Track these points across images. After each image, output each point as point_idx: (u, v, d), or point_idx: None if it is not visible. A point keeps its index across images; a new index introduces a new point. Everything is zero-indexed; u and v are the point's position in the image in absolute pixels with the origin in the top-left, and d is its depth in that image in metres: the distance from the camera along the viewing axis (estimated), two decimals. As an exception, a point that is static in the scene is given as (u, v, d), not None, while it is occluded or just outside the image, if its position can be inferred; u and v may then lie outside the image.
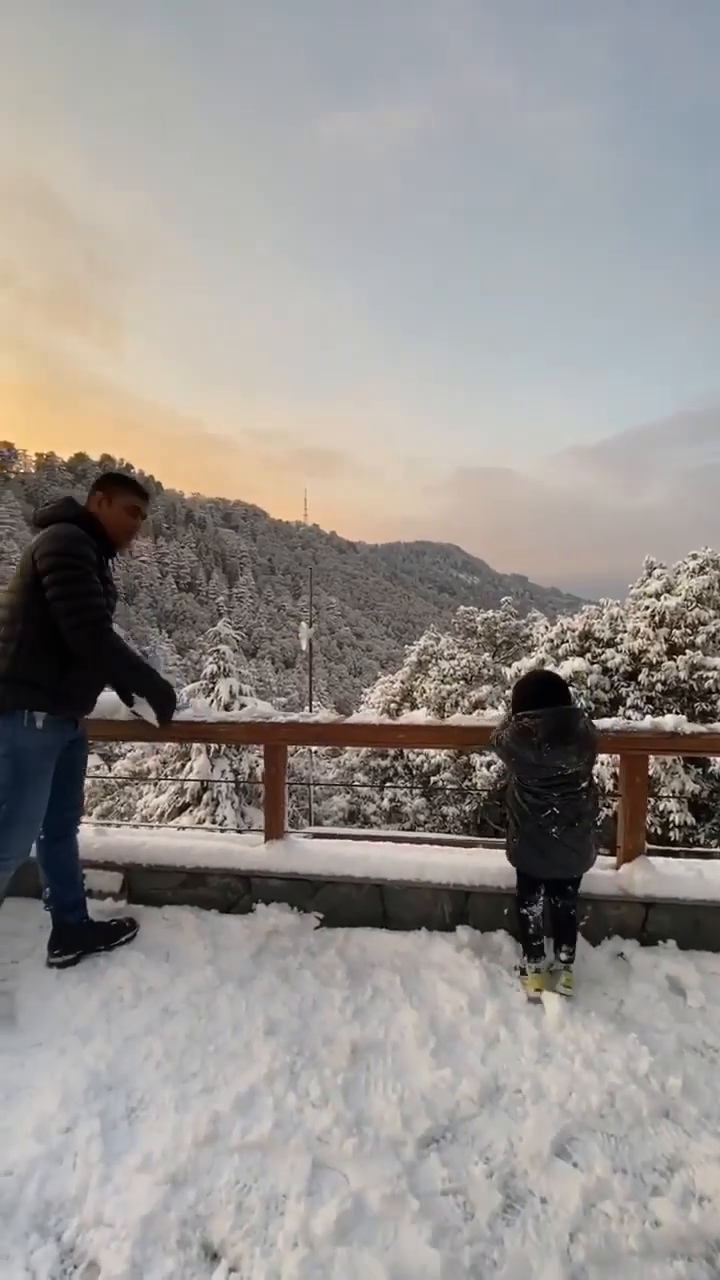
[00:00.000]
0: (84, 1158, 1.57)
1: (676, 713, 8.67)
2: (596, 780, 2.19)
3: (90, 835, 2.82)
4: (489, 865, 2.56)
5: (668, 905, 2.41)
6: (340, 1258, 1.34)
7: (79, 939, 2.38)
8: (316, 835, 3.00)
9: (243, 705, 9.87)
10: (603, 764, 10.62)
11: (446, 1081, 1.82)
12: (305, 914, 2.61)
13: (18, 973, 2.30)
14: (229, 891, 2.67)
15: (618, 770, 2.57)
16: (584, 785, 2.23)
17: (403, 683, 15.36)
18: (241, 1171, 1.55)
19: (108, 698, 2.46)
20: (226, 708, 9.51)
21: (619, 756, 2.56)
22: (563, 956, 2.26)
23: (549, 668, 12.28)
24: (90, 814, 12.06)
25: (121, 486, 2.29)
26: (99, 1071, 1.84)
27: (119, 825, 3.02)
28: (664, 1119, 1.71)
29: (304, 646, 11.26)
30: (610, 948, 2.44)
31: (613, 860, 2.59)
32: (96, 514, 2.25)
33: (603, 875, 2.50)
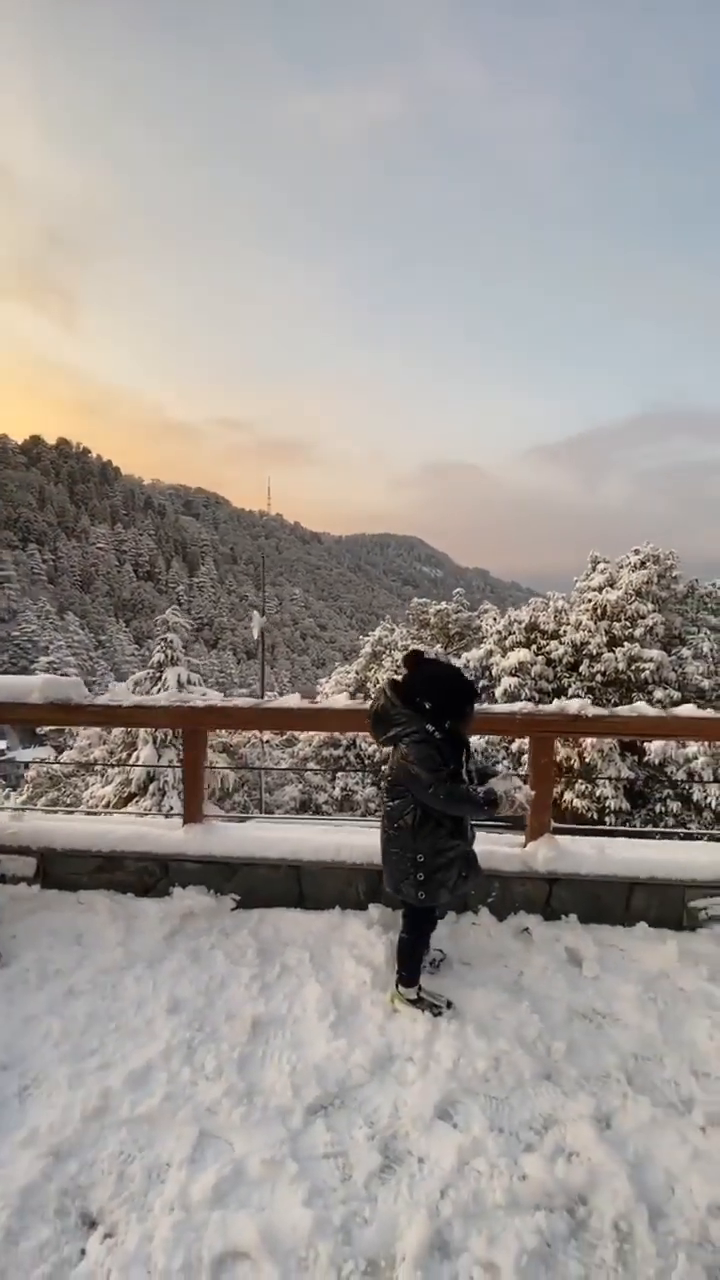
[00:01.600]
0: (-32, 1136, 1.56)
1: (615, 703, 8.98)
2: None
3: (4, 820, 2.77)
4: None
5: (570, 881, 2.52)
6: (214, 1220, 1.38)
7: None
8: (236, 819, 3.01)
9: (190, 694, 9.81)
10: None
11: (340, 1052, 1.87)
12: (222, 896, 2.63)
13: None
14: (146, 875, 2.67)
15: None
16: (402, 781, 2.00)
17: (357, 673, 15.46)
18: (127, 1143, 1.57)
19: (14, 681, 2.41)
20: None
21: (528, 739, 2.65)
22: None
23: (496, 658, 12.54)
24: (36, 804, 11.78)
25: None
26: (-7, 1053, 1.83)
27: (34, 810, 2.97)
28: (545, 1081, 1.80)
29: (256, 635, 11.22)
30: (515, 923, 2.53)
31: (520, 839, 2.69)
32: None
33: (510, 853, 2.59)
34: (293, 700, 2.68)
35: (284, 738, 13.93)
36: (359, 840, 2.69)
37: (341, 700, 2.70)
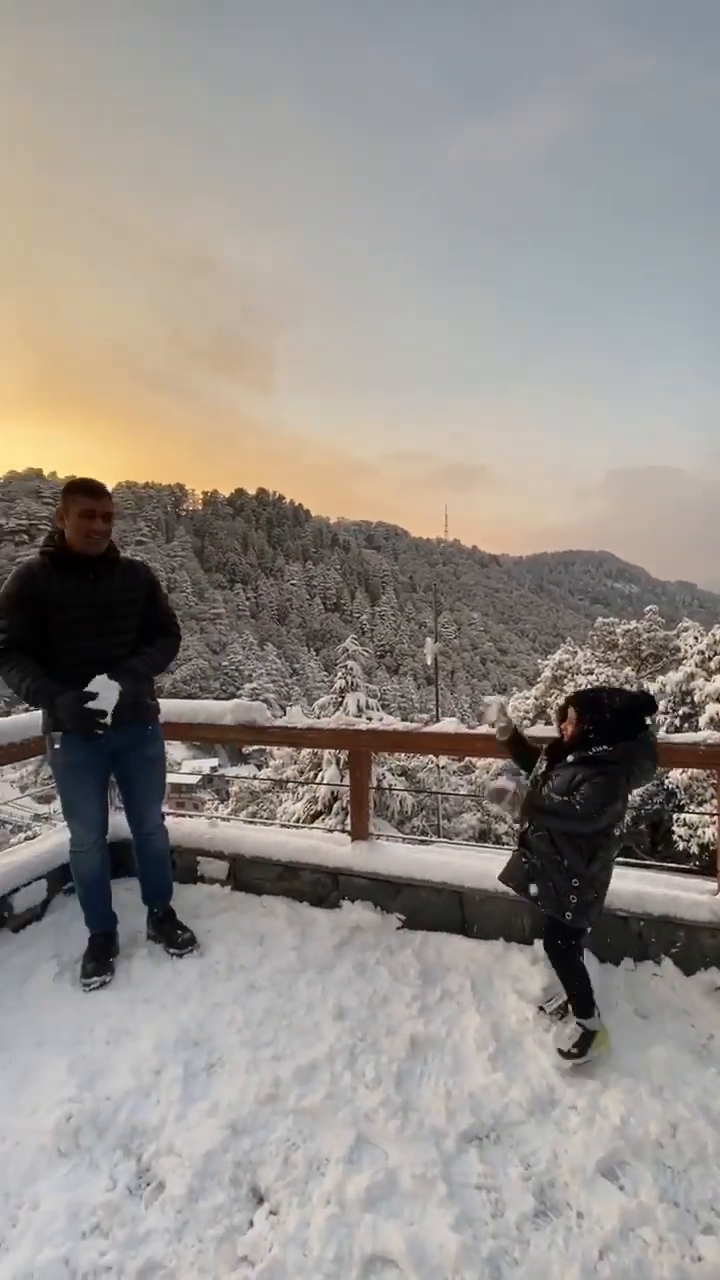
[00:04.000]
0: (166, 1097, 1.82)
1: None
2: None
3: (204, 827, 3.17)
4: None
5: (774, 938, 2.19)
6: (365, 1222, 1.45)
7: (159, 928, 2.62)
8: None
9: (368, 719, 10.20)
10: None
11: (498, 1085, 1.83)
12: (388, 914, 2.72)
13: (136, 939, 2.66)
14: (319, 886, 2.87)
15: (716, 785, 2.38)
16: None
17: (536, 698, 14.81)
18: (293, 1132, 1.70)
19: (200, 705, 2.78)
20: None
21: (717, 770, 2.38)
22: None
23: (699, 683, 11.18)
24: (238, 816, 13.10)
25: (69, 493, 2.24)
26: (189, 1029, 2.10)
27: (226, 820, 3.35)
28: (734, 1161, 1.59)
29: (429, 661, 11.35)
30: (705, 979, 2.26)
31: (712, 885, 2.40)
32: (62, 529, 2.25)
33: (698, 899, 2.33)
34: (448, 725, 2.73)
35: (462, 763, 13.81)
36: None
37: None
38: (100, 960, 2.44)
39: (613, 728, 1.92)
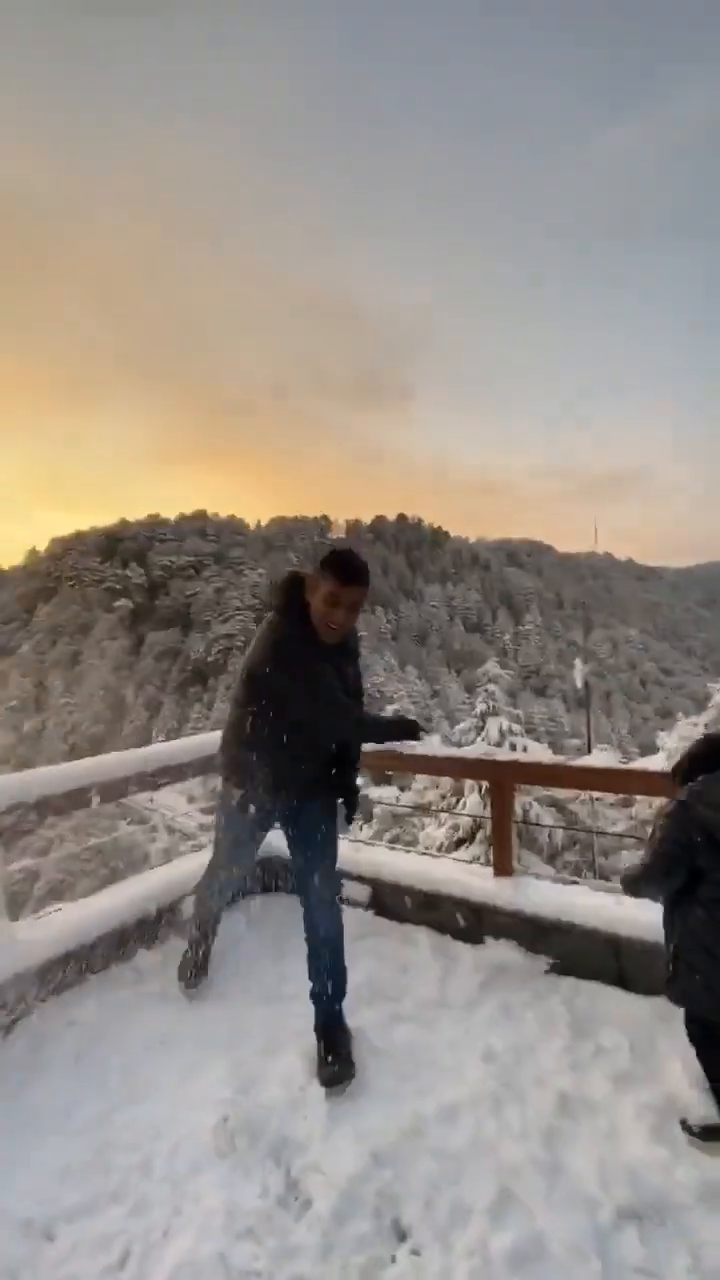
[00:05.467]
0: (313, 1114, 1.89)
1: None
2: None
3: (347, 849, 3.27)
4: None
5: None
6: (511, 1284, 1.39)
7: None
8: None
9: (511, 744, 9.84)
10: None
11: (661, 1162, 1.67)
12: (535, 956, 2.60)
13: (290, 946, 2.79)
14: (461, 920, 2.82)
15: None
16: None
17: (707, 726, 13.31)
18: (435, 1172, 1.68)
19: None
20: (497, 746, 9.60)
21: None
22: None
23: None
24: (382, 839, 13.22)
25: (323, 568, 1.98)
26: (334, 1051, 2.16)
27: (368, 844, 3.43)
28: None
29: (579, 684, 10.73)
30: None
31: None
32: (308, 598, 2.03)
33: None
34: (600, 759, 2.58)
35: (620, 797, 12.76)
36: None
37: (658, 760, 2.48)
38: (200, 973, 2.53)
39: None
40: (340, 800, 2.35)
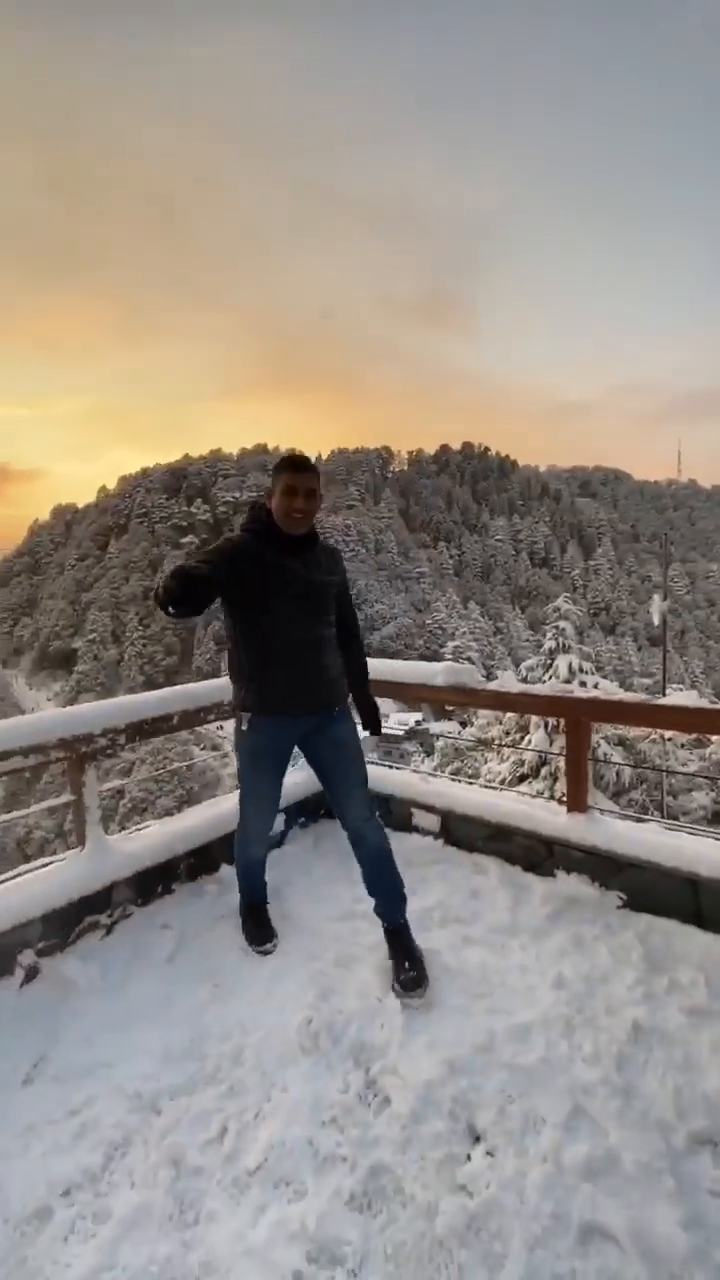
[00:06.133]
0: (390, 1023, 1.99)
1: None
2: None
3: (416, 780, 3.32)
4: None
5: None
6: (584, 1191, 1.45)
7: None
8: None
9: (581, 683, 9.61)
10: None
11: (739, 1095, 1.67)
12: (606, 891, 2.60)
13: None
14: (532, 853, 2.84)
15: None
16: None
17: None
18: (508, 1084, 1.75)
19: (411, 666, 2.85)
20: (566, 684, 9.41)
21: None
22: None
23: None
24: (443, 773, 13.49)
25: (276, 471, 2.16)
26: (407, 968, 2.26)
27: (439, 776, 3.46)
28: None
29: (656, 622, 10.25)
30: None
31: None
32: (270, 507, 2.16)
33: None
34: (687, 698, 2.45)
35: (692, 737, 12.38)
36: (775, 866, 2.29)
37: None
38: (263, 928, 2.47)
39: None
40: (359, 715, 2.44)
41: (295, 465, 2.15)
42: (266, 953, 2.40)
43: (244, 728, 2.27)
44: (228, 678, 2.37)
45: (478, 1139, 1.62)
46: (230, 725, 2.47)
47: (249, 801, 2.43)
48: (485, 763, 11.90)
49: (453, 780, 3.48)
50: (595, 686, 9.38)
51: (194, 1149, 1.60)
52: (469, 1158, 1.57)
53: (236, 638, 2.22)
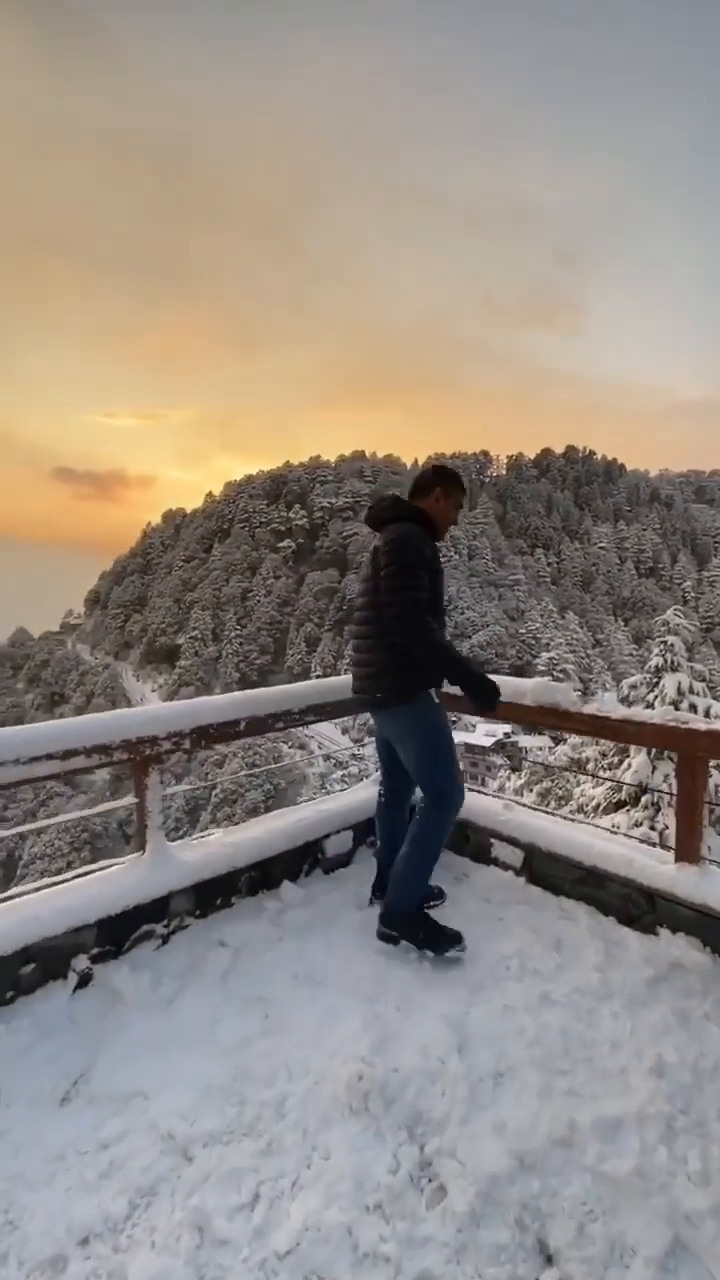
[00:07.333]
0: (452, 1092, 1.74)
1: None
2: None
3: (499, 808, 3.03)
4: None
5: None
6: None
7: (404, 924, 2.36)
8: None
9: (692, 705, 8.74)
10: None
11: None
12: (720, 959, 2.21)
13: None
14: (630, 904, 2.48)
15: None
16: None
17: None
18: (590, 1196, 1.46)
19: (500, 681, 2.57)
20: (674, 706, 8.59)
21: None
22: None
23: None
24: (531, 790, 12.83)
25: (455, 486, 2.51)
26: (476, 1024, 1.99)
27: (522, 803, 3.14)
28: None
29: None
30: None
31: None
32: (429, 510, 2.44)
33: None
34: None
35: None
36: None
37: None
38: (378, 889, 2.63)
39: None
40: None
41: (463, 483, 2.57)
42: (457, 959, 2.30)
43: (436, 702, 2.39)
44: (300, 682, 2.57)
45: (550, 1260, 1.35)
46: (318, 726, 2.37)
47: (453, 767, 2.41)
48: (578, 784, 11.16)
49: (537, 809, 3.15)
50: (708, 710, 8.51)
51: (222, 1214, 1.43)
52: (538, 1283, 1.30)
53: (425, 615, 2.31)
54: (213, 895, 2.55)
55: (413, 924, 2.35)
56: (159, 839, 2.44)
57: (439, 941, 2.30)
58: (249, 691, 2.80)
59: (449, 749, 2.41)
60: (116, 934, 2.27)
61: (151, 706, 2.53)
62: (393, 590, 2.22)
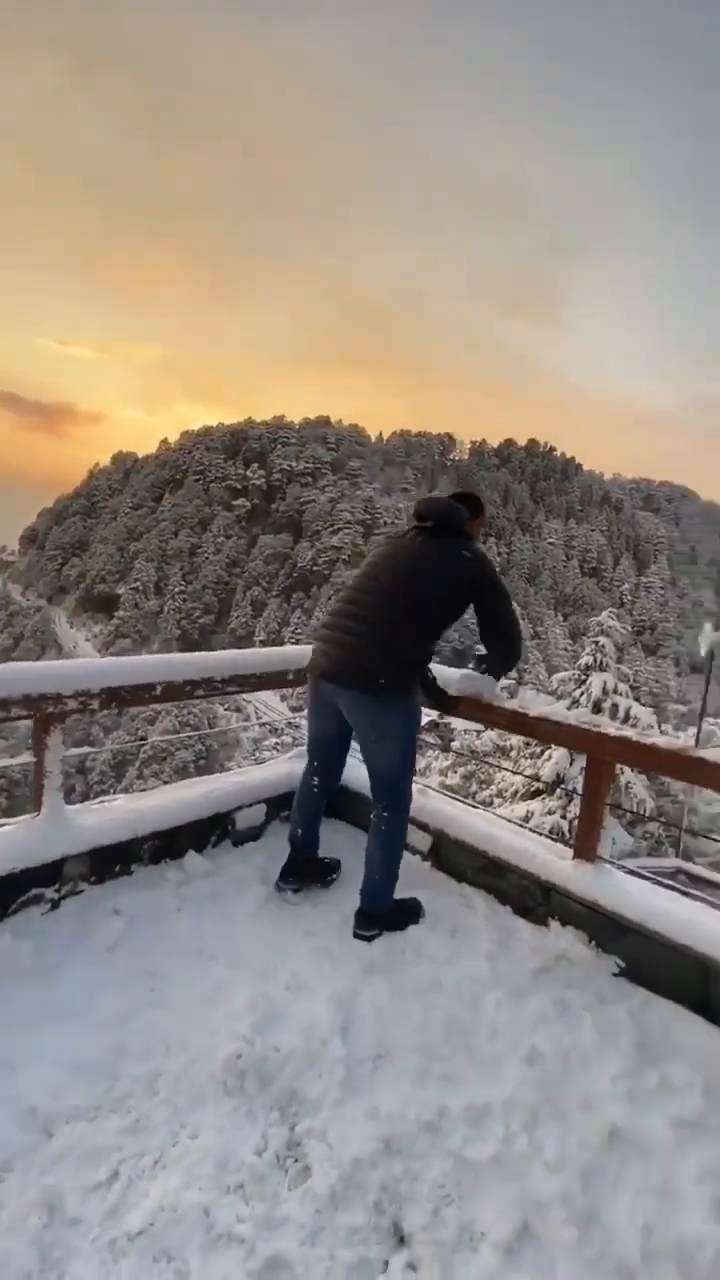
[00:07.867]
0: (330, 1074, 1.74)
1: None
2: None
3: (414, 794, 3.04)
4: None
5: None
6: (516, 1348, 1.18)
7: (387, 921, 2.42)
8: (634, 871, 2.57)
9: (614, 705, 9.13)
10: None
11: (723, 1247, 1.38)
12: (603, 954, 2.30)
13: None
14: (527, 895, 2.55)
15: None
16: None
17: None
18: (449, 1179, 1.50)
19: (442, 671, 2.64)
20: (597, 704, 8.96)
21: None
22: None
23: None
24: (455, 773, 13.23)
25: (479, 510, 2.68)
26: (363, 1009, 2.01)
27: (436, 790, 3.17)
28: None
29: (703, 652, 9.59)
30: None
31: None
32: (472, 533, 2.60)
33: None
34: (732, 755, 2.10)
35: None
36: None
37: None
38: (289, 873, 2.60)
39: None
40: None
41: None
42: (282, 890, 2.57)
43: (422, 709, 2.51)
44: (232, 650, 2.62)
45: (402, 1242, 1.38)
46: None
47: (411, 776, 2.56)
48: (499, 771, 11.54)
49: (454, 797, 3.19)
50: (628, 710, 8.90)
51: (76, 1193, 1.39)
52: (386, 1266, 1.33)
53: (435, 632, 2.43)
54: (111, 862, 2.46)
55: (393, 916, 2.43)
56: (56, 800, 2.33)
57: (415, 914, 2.49)
58: (168, 655, 2.70)
59: (415, 755, 2.55)
60: (2, 895, 2.16)
61: (58, 662, 2.39)
62: (503, 614, 2.49)
